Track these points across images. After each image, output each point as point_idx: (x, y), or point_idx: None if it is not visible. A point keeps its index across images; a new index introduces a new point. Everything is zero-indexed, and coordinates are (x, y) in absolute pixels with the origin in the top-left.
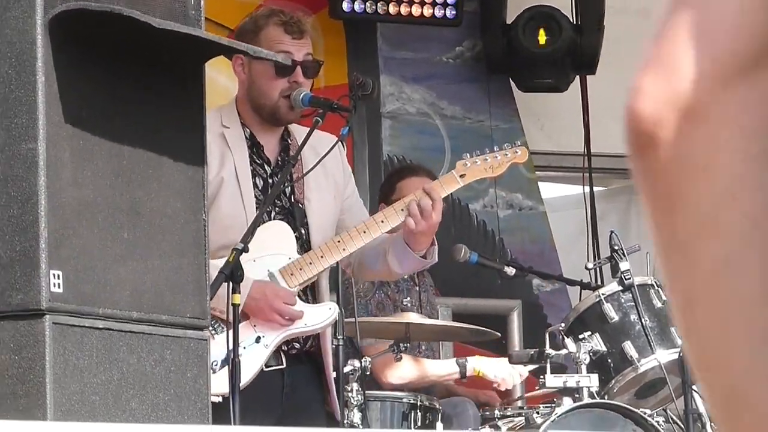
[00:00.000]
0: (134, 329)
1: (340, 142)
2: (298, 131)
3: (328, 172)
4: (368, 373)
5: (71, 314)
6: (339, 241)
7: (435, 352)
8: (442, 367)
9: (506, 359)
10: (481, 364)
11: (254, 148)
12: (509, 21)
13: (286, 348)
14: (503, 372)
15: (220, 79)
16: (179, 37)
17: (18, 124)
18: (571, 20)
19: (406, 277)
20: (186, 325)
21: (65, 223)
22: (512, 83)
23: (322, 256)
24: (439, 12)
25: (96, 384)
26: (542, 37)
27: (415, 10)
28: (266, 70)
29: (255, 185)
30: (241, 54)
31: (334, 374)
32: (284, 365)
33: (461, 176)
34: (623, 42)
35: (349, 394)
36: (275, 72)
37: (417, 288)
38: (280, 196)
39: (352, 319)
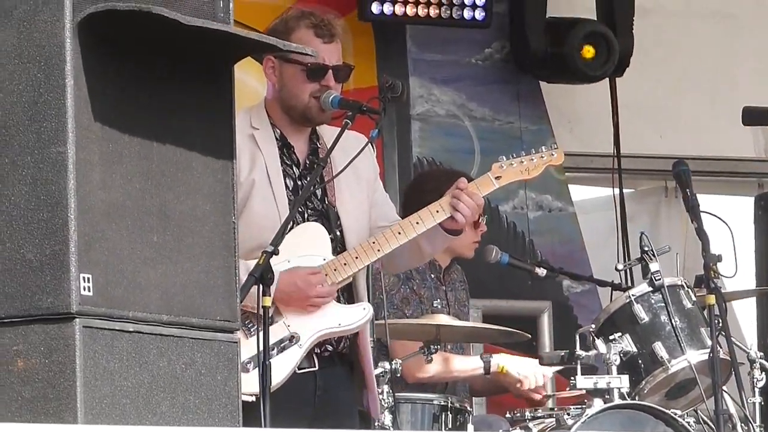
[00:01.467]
0: (164, 332)
1: (370, 144)
2: (327, 133)
3: (359, 174)
4: (398, 375)
5: (101, 317)
6: (374, 242)
7: (464, 350)
8: (467, 363)
9: (534, 359)
10: (505, 361)
11: (285, 149)
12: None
13: (319, 350)
14: (527, 370)
15: (249, 82)
16: (208, 35)
17: (47, 128)
18: (603, 23)
19: (432, 276)
20: (216, 328)
21: (94, 226)
22: (540, 84)
23: (357, 257)
24: (468, 14)
25: (126, 387)
26: (589, 53)
27: (444, 12)
28: (297, 73)
29: (286, 186)
30: (271, 50)
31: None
32: (317, 367)
33: (497, 178)
34: (653, 43)
35: (380, 396)
36: (306, 76)
37: (443, 287)
38: (311, 199)
39: (382, 321)
